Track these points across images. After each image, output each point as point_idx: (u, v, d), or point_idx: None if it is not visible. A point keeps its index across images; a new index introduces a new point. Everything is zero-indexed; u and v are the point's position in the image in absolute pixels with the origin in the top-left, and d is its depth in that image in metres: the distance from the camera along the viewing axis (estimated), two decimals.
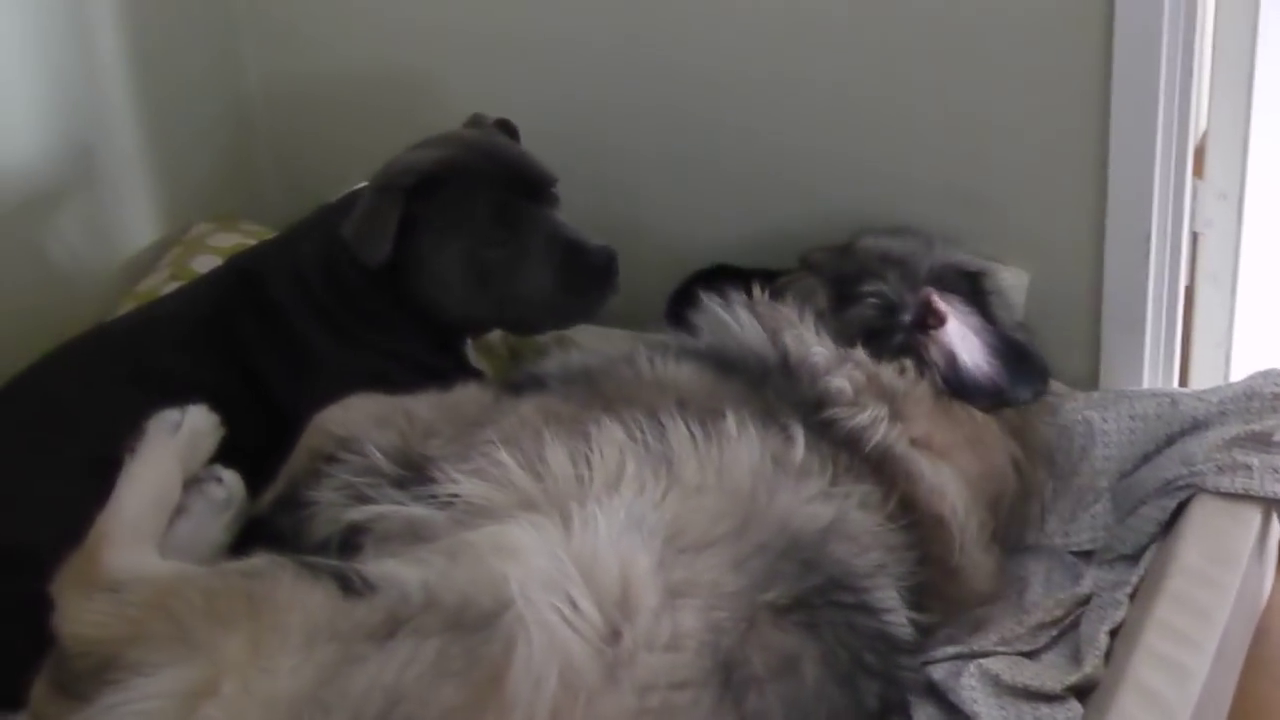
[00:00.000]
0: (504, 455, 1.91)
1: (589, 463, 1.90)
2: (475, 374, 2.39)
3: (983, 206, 2.54)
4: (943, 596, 2.10)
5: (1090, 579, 2.27)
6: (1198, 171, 2.53)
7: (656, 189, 2.76)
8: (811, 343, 2.25)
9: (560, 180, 2.37)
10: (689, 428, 1.96)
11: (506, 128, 2.46)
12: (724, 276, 2.48)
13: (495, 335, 2.55)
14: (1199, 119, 2.49)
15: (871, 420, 2.14)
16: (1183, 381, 2.62)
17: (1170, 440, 2.36)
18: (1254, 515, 2.24)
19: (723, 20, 2.61)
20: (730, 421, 1.99)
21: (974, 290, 2.41)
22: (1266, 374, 2.40)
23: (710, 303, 2.36)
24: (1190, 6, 2.34)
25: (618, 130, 2.75)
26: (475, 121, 2.46)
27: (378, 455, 1.98)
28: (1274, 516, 2.31)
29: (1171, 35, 2.33)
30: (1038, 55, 2.44)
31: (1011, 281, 2.52)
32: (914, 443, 2.16)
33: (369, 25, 2.87)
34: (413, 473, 1.95)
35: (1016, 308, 2.50)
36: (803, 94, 2.60)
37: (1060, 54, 2.42)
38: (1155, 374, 2.54)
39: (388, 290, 2.32)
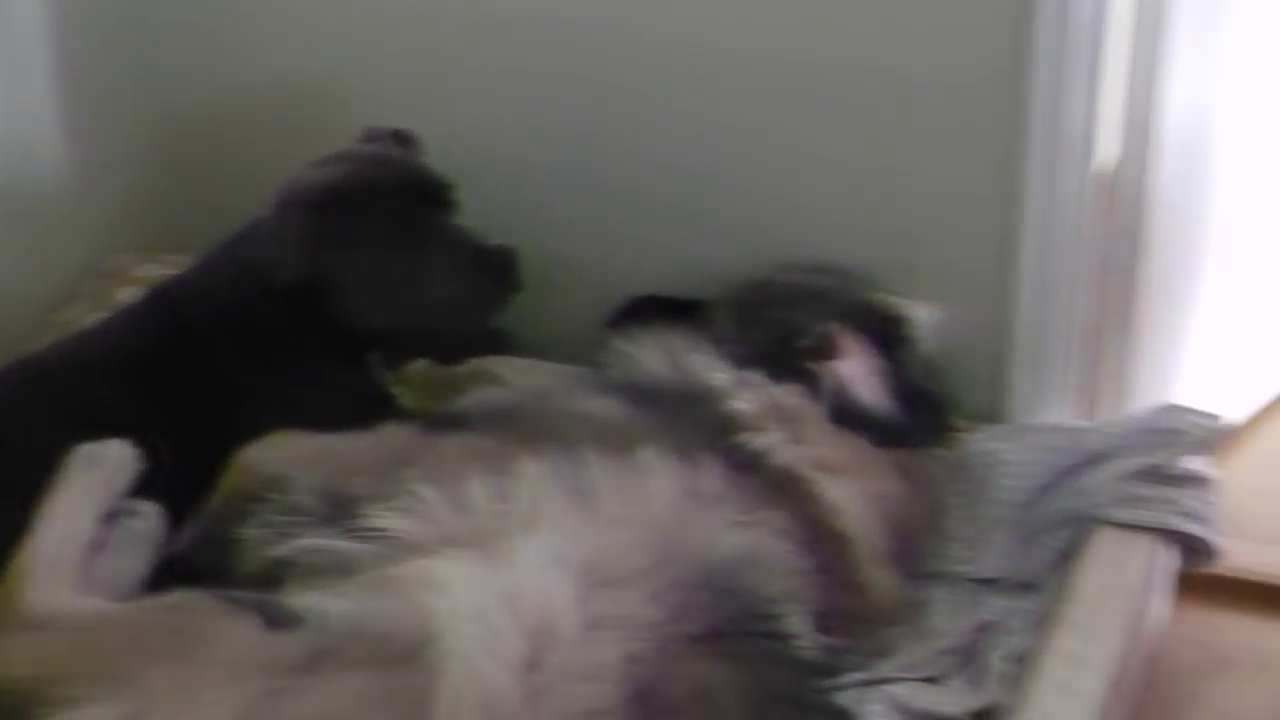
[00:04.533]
0: (427, 491, 1.95)
1: (510, 498, 1.95)
2: (394, 402, 2.44)
3: (898, 245, 2.61)
4: (849, 618, 2.15)
5: (992, 606, 2.33)
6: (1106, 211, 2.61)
7: (580, 218, 2.80)
8: (713, 368, 2.31)
9: (480, 205, 2.42)
10: (606, 462, 2.02)
11: (401, 138, 2.50)
12: (654, 306, 2.54)
13: (417, 368, 2.58)
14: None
15: (774, 443, 2.20)
16: (1088, 416, 2.69)
17: (1071, 472, 2.43)
18: (1150, 546, 2.32)
19: (648, 55, 2.66)
20: (646, 453, 2.05)
21: (885, 333, 2.48)
22: (1165, 409, 2.48)
23: (620, 336, 2.41)
24: (1096, 54, 2.42)
25: (543, 158, 2.78)
26: (370, 136, 2.51)
27: (304, 493, 2.01)
28: (1168, 548, 2.39)
29: (1078, 82, 2.41)
30: (951, 99, 2.51)
31: (923, 318, 2.58)
32: (814, 463, 2.21)
33: (282, 50, 2.89)
34: (338, 510, 1.99)
35: (926, 344, 2.56)
36: (725, 133, 2.66)
37: (973, 98, 2.49)
38: (1060, 408, 2.61)
39: (303, 313, 2.35)
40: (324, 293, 2.34)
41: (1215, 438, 2.47)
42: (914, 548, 2.35)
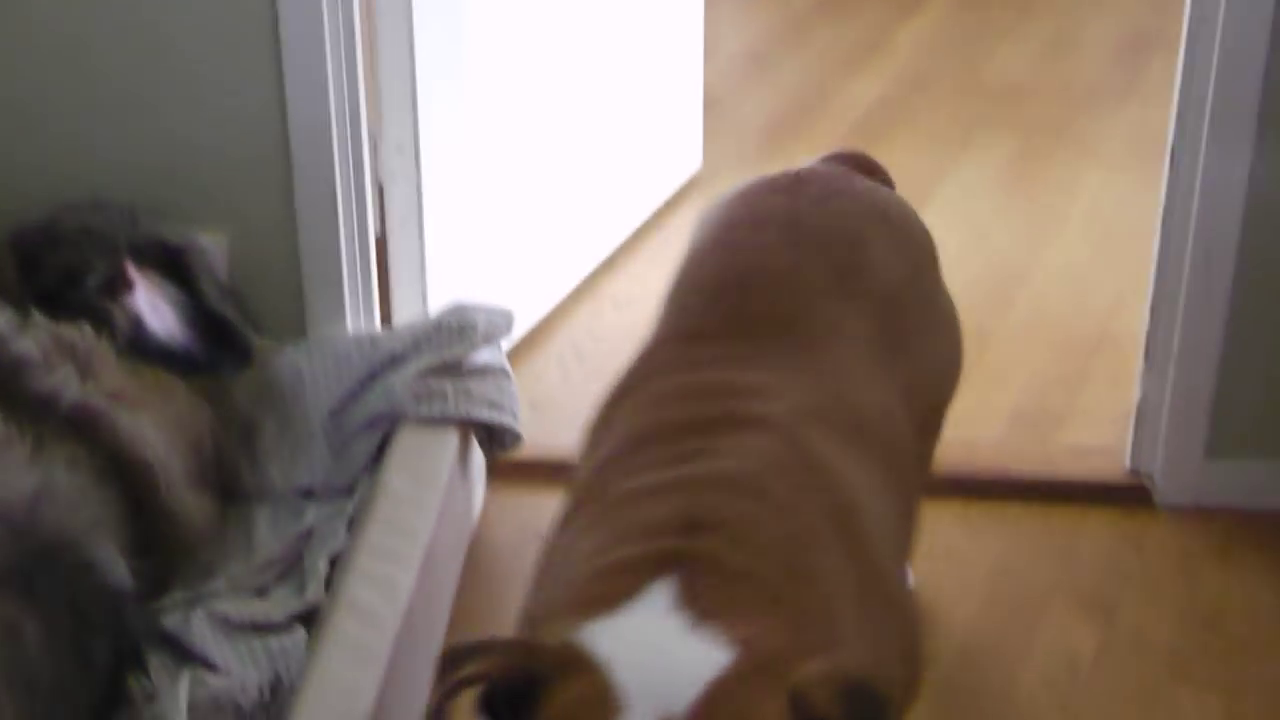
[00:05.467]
0: None
1: None
2: None
3: (177, 175, 2.62)
4: (163, 540, 2.18)
5: (312, 515, 2.41)
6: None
7: None
8: None
9: None
10: None
11: None
12: None
13: None
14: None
15: (63, 379, 2.18)
16: (387, 322, 2.79)
17: (373, 376, 2.52)
18: (452, 437, 2.45)
19: None
20: None
21: (176, 264, 2.49)
22: (453, 309, 2.61)
23: None
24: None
25: None
26: None
27: None
28: (471, 437, 2.53)
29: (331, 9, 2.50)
30: (213, 41, 2.55)
31: (212, 247, 2.60)
32: (108, 396, 2.21)
33: None
34: None
35: (220, 271, 2.59)
36: None
37: (232, 33, 2.54)
38: (357, 318, 2.69)
39: None
40: None
41: (504, 330, 2.62)
42: (226, 469, 2.40)
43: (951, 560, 2.60)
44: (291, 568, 2.31)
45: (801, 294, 1.83)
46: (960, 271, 2.81)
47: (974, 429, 2.82)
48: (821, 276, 1.85)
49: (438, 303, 2.77)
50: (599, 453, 1.70)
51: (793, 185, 2.00)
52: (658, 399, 1.71)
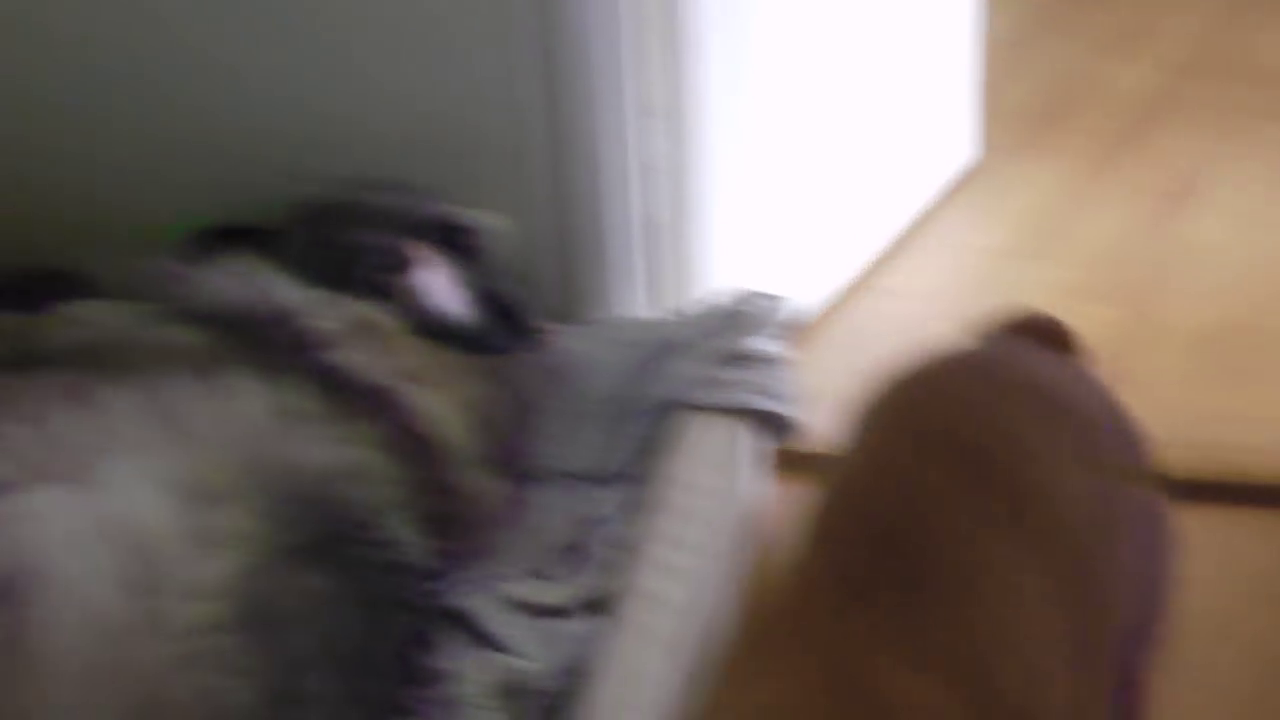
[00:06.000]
0: (10, 428, 1.88)
1: (101, 430, 1.89)
2: None
3: (454, 157, 2.62)
4: (453, 522, 2.16)
5: (592, 500, 2.38)
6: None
7: (130, 163, 2.73)
8: (288, 289, 2.28)
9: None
10: (191, 387, 1.98)
11: None
12: (223, 236, 2.47)
13: None
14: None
15: (360, 357, 2.18)
16: (660, 309, 2.76)
17: (654, 362, 2.49)
18: (736, 425, 2.41)
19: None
20: (232, 375, 2.01)
21: (460, 244, 2.48)
22: (736, 295, 2.57)
23: (191, 266, 2.35)
24: None
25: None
26: None
27: None
28: (753, 427, 2.48)
29: None
30: (480, 11, 2.53)
31: (491, 227, 2.60)
32: (404, 375, 2.21)
33: None
34: None
35: (500, 252, 2.58)
36: (266, 49, 2.62)
37: (502, 8, 2.52)
38: (631, 303, 2.67)
39: None
40: None
41: (787, 319, 2.57)
42: (510, 449, 2.38)
43: (1225, 569, 2.47)
44: (576, 552, 2.29)
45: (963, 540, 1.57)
46: (1230, 264, 2.72)
47: (1248, 432, 2.70)
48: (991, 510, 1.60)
49: (714, 289, 2.74)
50: None
51: (966, 387, 1.75)
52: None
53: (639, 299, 2.67)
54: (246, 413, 1.97)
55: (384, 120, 2.62)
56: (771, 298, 2.58)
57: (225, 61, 2.64)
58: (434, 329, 2.34)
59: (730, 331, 2.50)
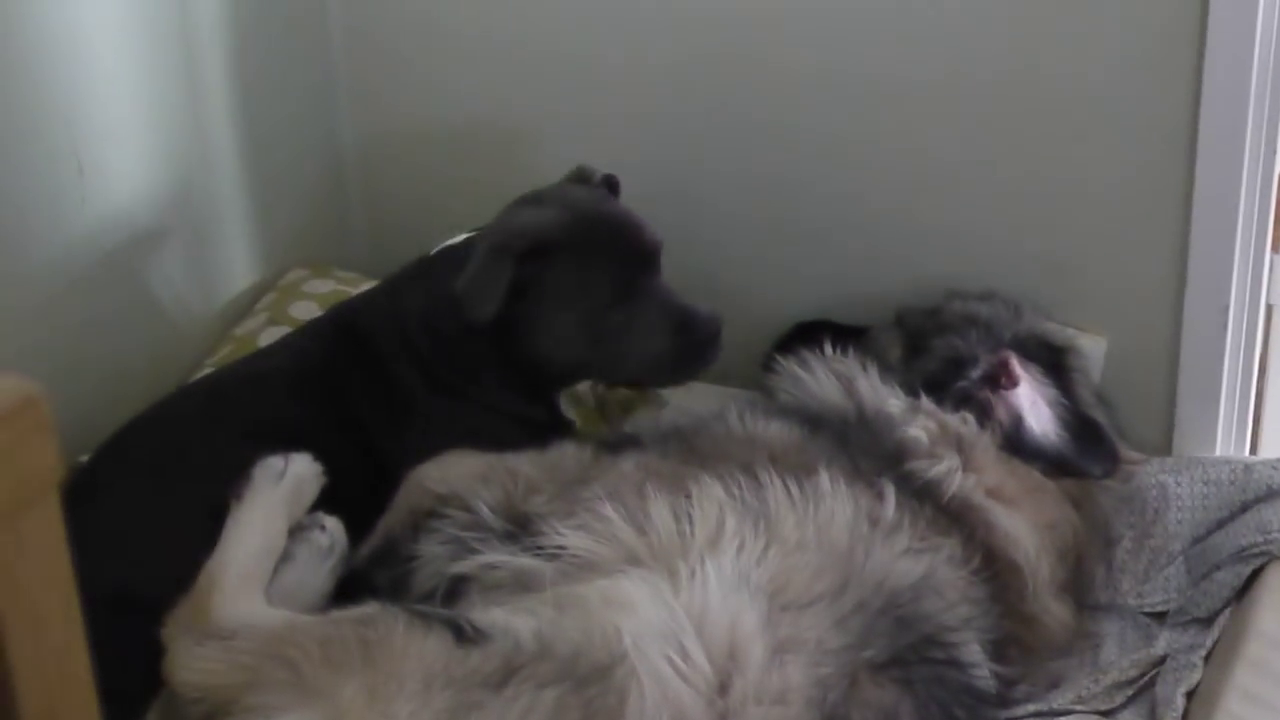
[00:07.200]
0: (609, 510, 1.96)
1: (690, 519, 1.94)
2: (567, 425, 2.44)
3: (1065, 272, 2.61)
4: (1022, 647, 2.15)
5: (1164, 640, 2.30)
6: (1276, 244, 2.58)
7: (743, 248, 2.81)
8: (885, 394, 2.31)
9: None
10: (784, 484, 2.02)
11: (611, 184, 2.46)
12: (822, 331, 2.53)
13: (584, 386, 2.59)
14: None
15: (948, 471, 2.19)
16: (1253, 450, 2.66)
17: (1244, 507, 2.39)
18: None
19: (812, 82, 2.67)
20: (823, 478, 2.05)
21: (1055, 363, 2.47)
22: None
23: (788, 360, 2.41)
24: (1277, 81, 2.39)
25: (709, 188, 2.80)
26: (580, 175, 2.46)
27: (484, 510, 2.03)
28: None
29: (1257, 108, 2.39)
30: (1122, 123, 2.51)
31: (1090, 347, 2.57)
32: (987, 492, 2.21)
33: (463, 78, 2.92)
34: (518, 528, 2.00)
35: (1094, 374, 2.55)
36: (889, 157, 2.66)
37: (1144, 122, 2.49)
38: (1228, 442, 2.59)
39: (488, 344, 2.33)
40: (517, 335, 2.32)
41: None
42: (1085, 578, 2.34)
43: None
44: (1142, 693, 2.23)
45: None
46: None
47: None
48: None
49: None
50: None
51: None
52: None
53: (1235, 440, 2.58)
54: (837, 517, 2.00)
55: (1006, 230, 2.64)
56: None
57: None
58: (1022, 446, 2.33)
59: None
